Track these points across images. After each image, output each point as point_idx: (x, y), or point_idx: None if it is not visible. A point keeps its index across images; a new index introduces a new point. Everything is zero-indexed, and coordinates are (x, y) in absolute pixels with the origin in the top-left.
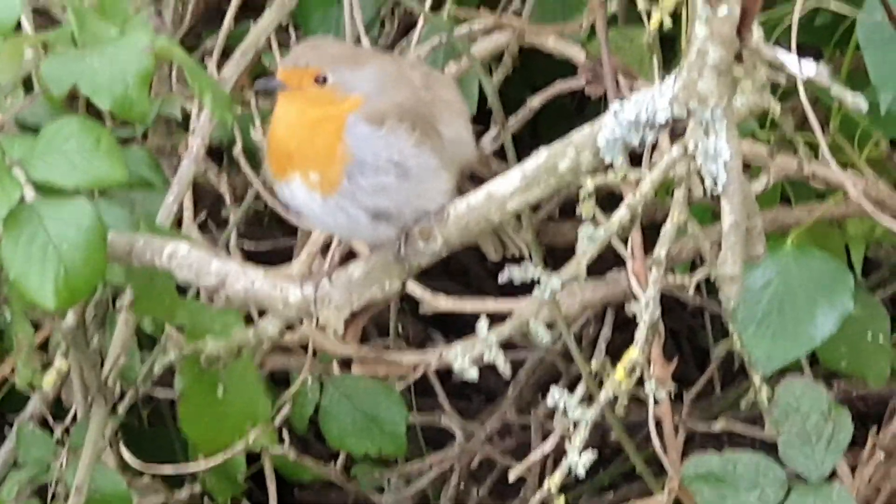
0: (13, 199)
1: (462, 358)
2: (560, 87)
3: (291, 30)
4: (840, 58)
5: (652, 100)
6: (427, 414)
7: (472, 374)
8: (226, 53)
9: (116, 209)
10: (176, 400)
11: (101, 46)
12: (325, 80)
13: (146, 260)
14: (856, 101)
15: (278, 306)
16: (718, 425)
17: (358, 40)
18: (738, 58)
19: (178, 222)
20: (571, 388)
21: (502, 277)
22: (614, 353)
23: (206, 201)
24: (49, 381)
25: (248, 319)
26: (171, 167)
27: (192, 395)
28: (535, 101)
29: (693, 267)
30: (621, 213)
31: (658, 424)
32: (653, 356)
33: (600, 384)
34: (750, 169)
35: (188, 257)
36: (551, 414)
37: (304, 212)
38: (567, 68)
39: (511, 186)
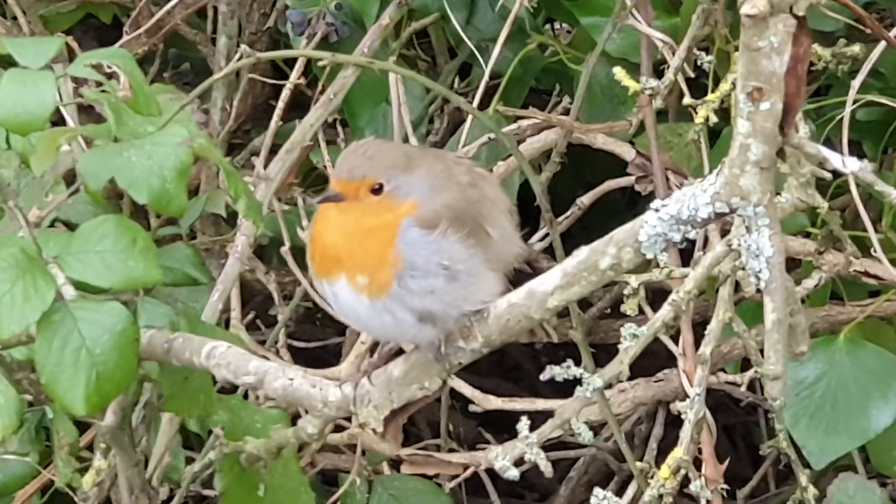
0: (46, 301)
1: (503, 458)
2: (609, 184)
3: (339, 126)
4: (892, 154)
5: (693, 196)
6: None
7: (514, 473)
8: (275, 151)
9: (159, 307)
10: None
11: (139, 141)
12: (381, 187)
13: (185, 358)
14: None
15: (317, 405)
16: None
17: (406, 139)
18: (781, 154)
19: (226, 322)
20: (624, 485)
21: (544, 376)
22: (667, 451)
23: (255, 300)
24: (88, 480)
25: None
26: (220, 266)
27: (232, 494)
28: (585, 200)
29: (745, 364)
30: (665, 312)
31: None
32: (704, 455)
33: None
34: (801, 266)
35: (226, 355)
36: None
37: (346, 312)
38: (620, 162)
39: (552, 284)
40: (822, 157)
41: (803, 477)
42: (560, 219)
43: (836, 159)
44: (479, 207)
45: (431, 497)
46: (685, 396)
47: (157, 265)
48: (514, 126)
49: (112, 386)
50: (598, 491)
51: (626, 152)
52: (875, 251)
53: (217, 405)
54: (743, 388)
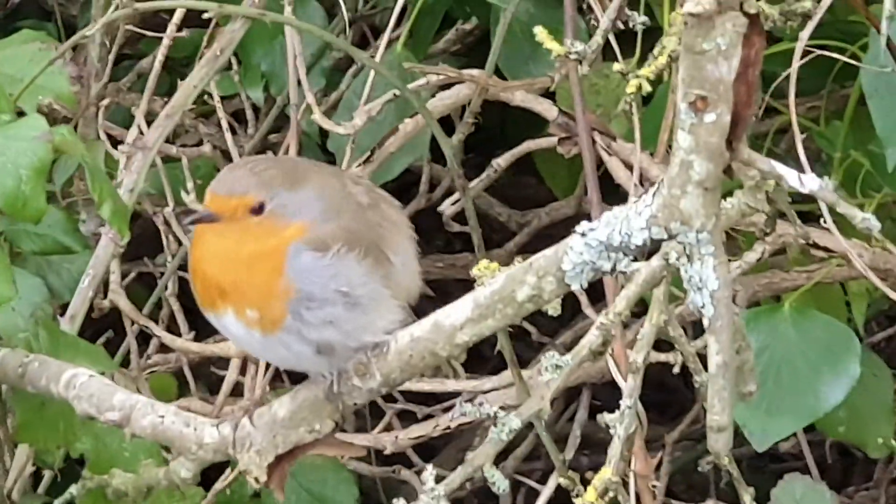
0: None
1: None
2: (528, 145)
3: (233, 58)
4: (839, 92)
5: (626, 219)
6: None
7: None
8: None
9: (30, 279)
10: None
11: None
12: (262, 207)
13: (41, 386)
14: (866, 221)
15: (192, 447)
16: None
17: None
18: (728, 171)
19: (105, 285)
20: None
21: (453, 413)
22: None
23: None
24: None
25: None
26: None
27: None
28: (502, 162)
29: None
30: (592, 338)
31: None
32: (634, 449)
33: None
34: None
35: (88, 386)
36: None
37: (240, 344)
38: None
39: (462, 316)
40: (776, 174)
41: (747, 496)
42: (473, 183)
43: (792, 177)
44: (379, 231)
45: (332, 473)
46: (611, 381)
47: (12, 282)
48: (422, 81)
49: None
50: None
51: (548, 110)
52: (824, 221)
53: (80, 432)
54: (676, 370)
